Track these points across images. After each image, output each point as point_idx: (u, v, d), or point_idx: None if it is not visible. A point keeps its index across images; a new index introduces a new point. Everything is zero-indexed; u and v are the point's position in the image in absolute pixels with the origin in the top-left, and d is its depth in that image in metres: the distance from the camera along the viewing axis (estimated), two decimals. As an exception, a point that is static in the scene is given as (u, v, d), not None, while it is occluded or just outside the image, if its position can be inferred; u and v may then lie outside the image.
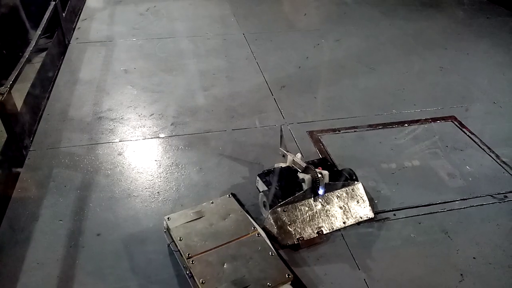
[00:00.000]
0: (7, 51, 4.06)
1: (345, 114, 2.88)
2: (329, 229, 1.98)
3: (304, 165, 2.04)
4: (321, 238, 1.95)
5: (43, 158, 2.40)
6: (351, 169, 2.16)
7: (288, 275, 1.69)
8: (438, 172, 2.43)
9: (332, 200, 2.02)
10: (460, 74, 3.47)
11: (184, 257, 1.72)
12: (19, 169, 2.30)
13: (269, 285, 1.64)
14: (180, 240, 1.78)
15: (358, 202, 2.07)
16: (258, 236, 1.83)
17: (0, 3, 4.22)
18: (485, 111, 3.03)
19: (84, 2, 4.56)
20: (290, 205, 1.94)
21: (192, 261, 1.70)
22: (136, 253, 1.89)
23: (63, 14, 3.63)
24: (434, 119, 2.88)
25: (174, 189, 2.23)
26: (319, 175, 1.96)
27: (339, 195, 2.04)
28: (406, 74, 3.44)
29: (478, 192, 2.31)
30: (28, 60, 2.64)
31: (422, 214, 2.16)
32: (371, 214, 2.07)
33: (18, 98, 2.52)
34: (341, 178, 2.12)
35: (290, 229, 1.91)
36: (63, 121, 2.71)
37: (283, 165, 2.17)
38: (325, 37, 3.97)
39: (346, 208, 2.03)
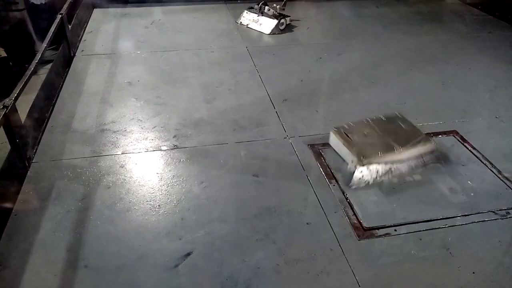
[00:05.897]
0: (13, 62, 4.13)
1: (347, 128, 2.88)
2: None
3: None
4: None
5: (45, 170, 2.42)
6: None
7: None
8: (439, 187, 2.43)
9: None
10: (461, 88, 3.48)
11: None
12: (21, 181, 2.32)
13: None
14: None
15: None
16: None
17: (8, 15, 4.29)
18: (487, 125, 3.03)
19: (90, 15, 4.63)
20: None
21: None
22: (136, 267, 1.89)
23: (69, 26, 3.69)
24: (436, 134, 2.89)
25: (174, 202, 2.24)
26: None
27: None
28: (407, 88, 3.46)
29: (480, 208, 2.30)
30: (34, 72, 2.67)
31: (423, 230, 2.15)
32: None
33: (23, 109, 2.55)
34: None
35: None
36: (67, 133, 2.74)
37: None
38: (327, 51, 4.01)
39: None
